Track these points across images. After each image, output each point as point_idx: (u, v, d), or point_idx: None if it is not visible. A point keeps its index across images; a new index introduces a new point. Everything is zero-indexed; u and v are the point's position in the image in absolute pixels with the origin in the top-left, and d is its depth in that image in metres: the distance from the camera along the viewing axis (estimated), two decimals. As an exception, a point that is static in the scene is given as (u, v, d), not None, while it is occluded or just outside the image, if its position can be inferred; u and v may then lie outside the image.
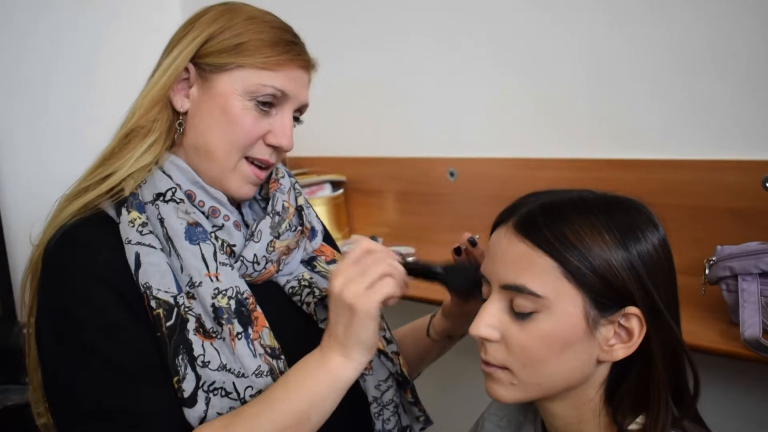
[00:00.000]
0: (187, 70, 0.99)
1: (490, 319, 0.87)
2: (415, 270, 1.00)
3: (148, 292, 0.91)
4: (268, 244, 1.02)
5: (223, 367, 0.92)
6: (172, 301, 0.92)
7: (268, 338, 0.97)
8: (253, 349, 0.95)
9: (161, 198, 0.97)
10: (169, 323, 0.90)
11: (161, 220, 0.96)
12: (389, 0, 1.84)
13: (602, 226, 0.84)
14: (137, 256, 0.92)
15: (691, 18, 1.35)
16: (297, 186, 1.14)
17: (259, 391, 0.93)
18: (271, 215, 1.04)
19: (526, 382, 0.87)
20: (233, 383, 0.92)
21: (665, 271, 0.88)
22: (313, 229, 1.12)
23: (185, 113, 1.01)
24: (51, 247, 0.95)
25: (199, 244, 0.95)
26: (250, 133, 0.98)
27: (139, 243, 0.93)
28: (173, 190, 0.98)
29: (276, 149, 1.02)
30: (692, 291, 0.90)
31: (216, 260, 0.96)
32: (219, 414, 0.91)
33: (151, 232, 0.95)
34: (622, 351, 0.85)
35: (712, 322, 1.18)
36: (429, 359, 1.27)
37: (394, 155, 1.87)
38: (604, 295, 0.83)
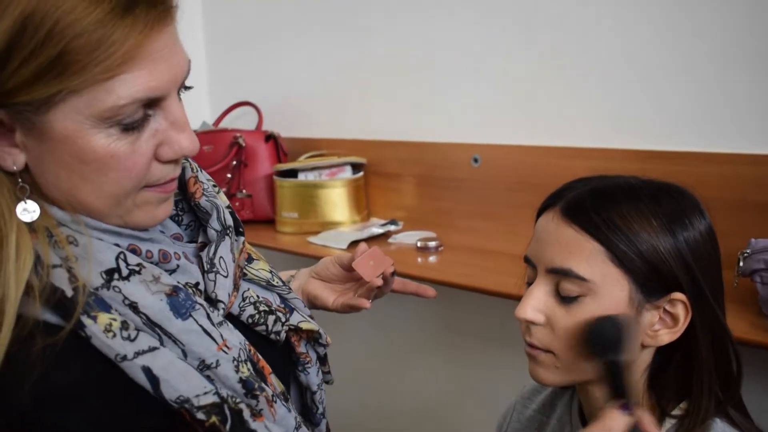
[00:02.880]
0: None
1: (536, 303, 0.88)
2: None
3: (186, 406, 0.70)
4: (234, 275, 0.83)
5: None
6: (218, 399, 0.72)
7: (278, 384, 0.83)
8: (285, 405, 0.81)
9: (116, 275, 0.71)
10: (228, 425, 0.72)
11: (132, 306, 0.70)
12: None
13: (650, 212, 0.85)
14: (147, 371, 0.69)
15: (728, 10, 1.34)
16: (202, 172, 0.90)
17: None
18: (229, 234, 0.85)
19: (569, 366, 0.88)
20: None
21: (711, 258, 0.88)
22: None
23: (24, 169, 0.70)
24: (23, 414, 0.66)
25: (190, 315, 0.74)
26: (134, 172, 0.71)
27: (138, 353, 0.69)
28: (122, 255, 0.72)
29: (176, 159, 0.75)
30: (724, 283, 0.91)
31: (214, 325, 0.76)
32: None
33: (137, 329, 0.70)
34: (667, 336, 0.86)
35: (743, 313, 1.17)
36: None
37: (416, 139, 1.86)
38: (651, 281, 0.84)
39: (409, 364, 2.00)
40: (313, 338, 0.94)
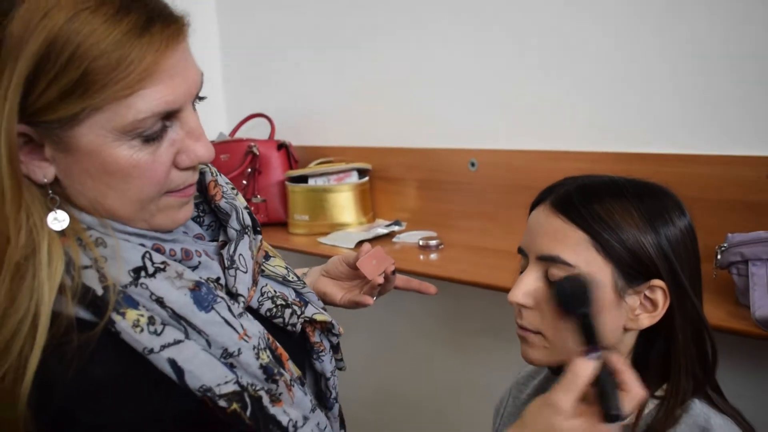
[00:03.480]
0: (20, 134, 0.67)
1: (527, 288, 0.90)
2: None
3: (209, 395, 0.72)
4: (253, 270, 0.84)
5: (305, 419, 0.81)
6: (238, 388, 0.74)
7: (295, 370, 0.84)
8: (302, 389, 0.83)
9: (143, 273, 0.72)
10: (248, 412, 0.74)
11: (159, 301, 0.72)
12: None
13: (633, 207, 0.87)
14: (173, 363, 0.71)
15: (708, 18, 1.36)
16: (221, 176, 0.92)
17: (317, 425, 0.84)
18: (247, 233, 0.86)
19: (557, 346, 0.90)
20: (317, 425, 0.84)
21: (690, 251, 0.90)
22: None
23: (55, 181, 0.72)
24: (66, 408, 0.68)
25: (213, 308, 0.75)
26: (155, 180, 0.73)
27: (164, 346, 0.71)
28: (147, 255, 0.74)
29: (194, 166, 0.77)
30: (703, 275, 0.93)
31: (235, 316, 0.78)
32: None
33: (164, 324, 0.72)
34: (647, 320, 0.88)
35: (721, 303, 1.20)
36: None
37: (418, 146, 1.88)
38: (632, 268, 0.86)
39: (414, 353, 2.02)
40: (326, 329, 0.96)
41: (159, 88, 0.68)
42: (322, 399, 0.97)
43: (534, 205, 0.95)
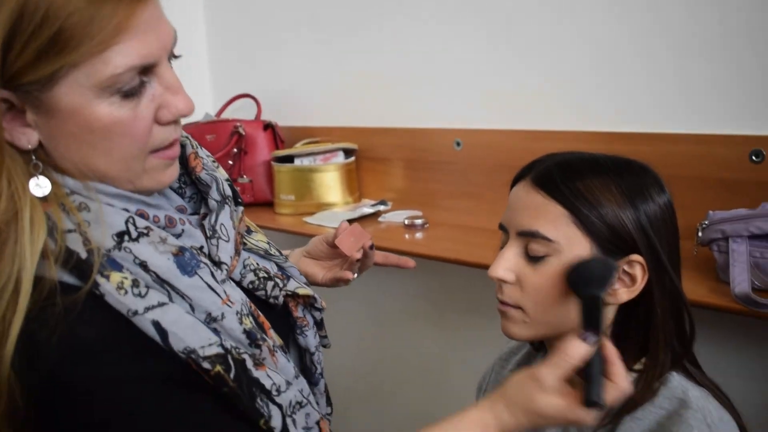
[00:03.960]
0: (1, 100, 0.68)
1: (507, 263, 0.89)
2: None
3: (193, 356, 0.72)
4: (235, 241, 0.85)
5: (288, 384, 0.81)
6: (222, 350, 0.74)
7: (277, 338, 0.85)
8: (285, 356, 0.84)
9: (126, 237, 0.72)
10: (232, 374, 0.74)
11: (143, 265, 0.72)
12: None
13: (613, 183, 0.87)
14: (157, 325, 0.71)
15: (683, 2, 1.35)
16: (202, 149, 0.91)
17: (300, 391, 0.84)
18: (228, 203, 0.86)
19: (537, 320, 0.89)
20: (300, 392, 0.84)
21: (669, 228, 0.90)
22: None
23: (39, 146, 0.72)
24: (53, 369, 0.68)
25: (196, 273, 0.76)
26: (138, 135, 0.72)
27: (148, 308, 0.71)
28: (131, 219, 0.74)
29: (175, 121, 0.77)
30: (683, 253, 0.93)
31: (218, 282, 0.78)
32: (305, 429, 0.82)
33: (147, 287, 0.72)
34: (626, 294, 0.88)
35: (702, 279, 1.20)
36: None
37: (404, 126, 1.87)
38: (611, 243, 0.86)
39: (400, 331, 2.02)
40: (309, 303, 0.96)
41: (133, 42, 0.68)
42: (308, 374, 0.96)
43: (515, 182, 0.94)
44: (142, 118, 0.72)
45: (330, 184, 1.91)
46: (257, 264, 0.90)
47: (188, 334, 0.72)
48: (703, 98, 1.36)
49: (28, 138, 0.71)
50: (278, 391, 0.79)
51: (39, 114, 0.70)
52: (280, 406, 0.78)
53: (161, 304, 0.72)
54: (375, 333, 2.10)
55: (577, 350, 0.75)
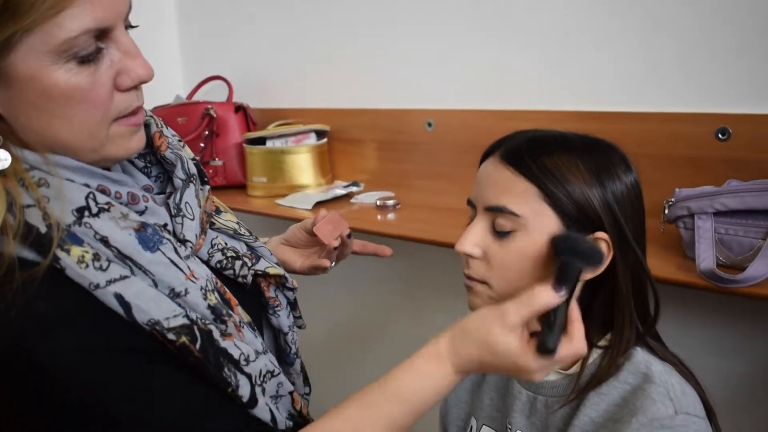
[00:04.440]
0: None
1: (474, 238, 0.89)
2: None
3: (157, 328, 0.71)
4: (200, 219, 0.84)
5: (257, 353, 0.81)
6: (187, 321, 0.74)
7: (244, 315, 0.84)
8: (252, 332, 0.83)
9: (86, 212, 0.71)
10: (198, 344, 0.73)
11: (103, 241, 0.71)
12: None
13: (580, 161, 0.86)
14: (120, 297, 0.70)
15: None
16: (167, 128, 0.90)
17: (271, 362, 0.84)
18: (193, 182, 0.85)
19: (503, 295, 0.89)
20: (271, 362, 0.84)
21: (635, 206, 0.90)
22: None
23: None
24: (15, 344, 0.67)
25: (158, 248, 0.74)
26: (98, 102, 0.71)
27: (110, 282, 0.70)
28: (91, 195, 0.72)
29: (136, 87, 0.75)
30: (650, 230, 0.93)
31: (182, 258, 0.77)
32: (274, 397, 0.83)
33: (109, 261, 0.71)
34: (590, 271, 0.88)
35: (669, 257, 1.20)
36: None
37: (375, 107, 1.85)
38: (577, 219, 0.85)
39: (373, 308, 2.03)
40: (280, 283, 0.95)
41: (86, 6, 0.67)
42: (282, 355, 0.96)
43: (484, 158, 0.94)
44: (101, 83, 0.71)
45: (302, 165, 1.89)
46: (225, 243, 0.89)
47: (152, 306, 0.71)
48: (670, 77, 1.36)
49: None
50: (247, 360, 0.78)
51: None
52: (249, 376, 0.78)
53: (123, 278, 0.71)
54: (348, 312, 2.10)
55: (546, 294, 0.76)
